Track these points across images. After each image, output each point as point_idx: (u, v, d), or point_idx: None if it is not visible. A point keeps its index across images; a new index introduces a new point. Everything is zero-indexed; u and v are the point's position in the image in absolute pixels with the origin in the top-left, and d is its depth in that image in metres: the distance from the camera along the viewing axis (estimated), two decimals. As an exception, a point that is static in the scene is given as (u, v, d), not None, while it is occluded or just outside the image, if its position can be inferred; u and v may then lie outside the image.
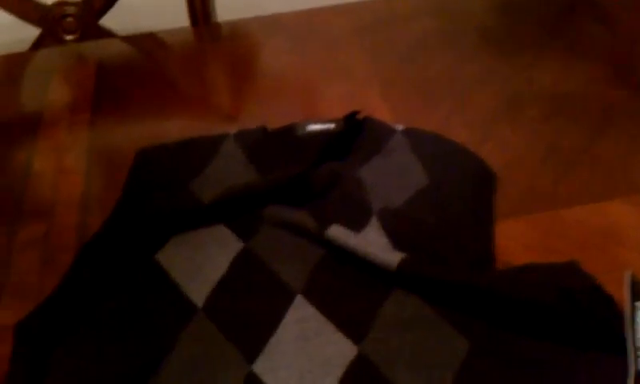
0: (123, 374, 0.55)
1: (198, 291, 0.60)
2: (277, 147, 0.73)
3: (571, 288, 0.54)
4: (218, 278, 0.61)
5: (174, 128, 0.82)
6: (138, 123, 0.87)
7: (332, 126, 0.74)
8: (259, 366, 0.54)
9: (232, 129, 0.78)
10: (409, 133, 0.73)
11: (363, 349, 0.54)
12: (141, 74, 0.96)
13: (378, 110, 0.79)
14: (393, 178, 0.68)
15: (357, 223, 0.63)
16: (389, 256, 0.58)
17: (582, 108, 0.79)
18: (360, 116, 0.75)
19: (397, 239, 0.62)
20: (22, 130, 0.86)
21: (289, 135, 0.75)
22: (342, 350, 0.54)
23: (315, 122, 0.75)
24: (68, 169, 0.79)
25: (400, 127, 0.73)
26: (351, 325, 0.55)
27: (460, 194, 0.67)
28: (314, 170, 0.68)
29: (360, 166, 0.69)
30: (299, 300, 0.58)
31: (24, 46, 1.19)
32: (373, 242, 0.61)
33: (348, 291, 0.58)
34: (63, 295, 0.61)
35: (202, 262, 0.62)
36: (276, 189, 0.67)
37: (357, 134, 0.74)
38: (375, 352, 0.53)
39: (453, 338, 0.54)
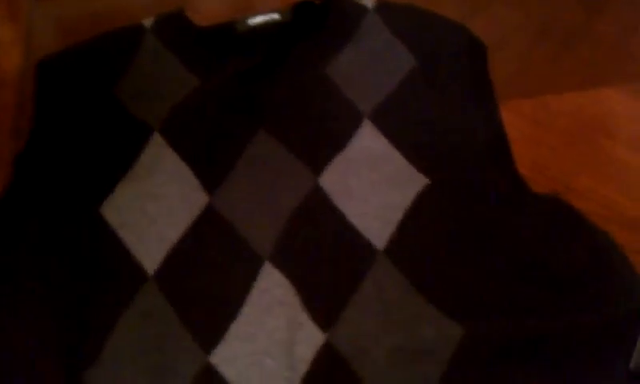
0: (52, 366, 0.46)
1: (150, 255, 0.51)
2: (213, 47, 0.62)
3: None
4: (174, 240, 0.51)
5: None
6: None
7: (277, 16, 0.64)
8: (217, 356, 0.47)
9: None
10: (383, 9, 0.64)
11: (332, 336, 0.47)
12: None
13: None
14: (373, 67, 0.59)
15: (344, 132, 0.55)
16: (380, 228, 0.50)
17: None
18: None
19: (398, 139, 0.54)
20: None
21: (227, 33, 0.63)
22: (307, 335, 0.47)
23: (256, 15, 0.64)
24: (6, 41, 0.70)
25: (370, 3, 0.64)
26: (320, 304, 0.48)
27: (455, 74, 0.59)
28: (268, 74, 0.59)
29: (328, 60, 0.60)
30: (267, 267, 0.50)
31: None
32: (370, 151, 0.54)
33: (322, 259, 0.50)
34: None
35: (156, 217, 0.52)
36: (229, 100, 0.57)
37: (316, 23, 0.63)
38: (346, 342, 0.46)
39: (442, 325, 0.46)
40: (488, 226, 0.50)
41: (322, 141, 0.55)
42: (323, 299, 0.48)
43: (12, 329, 0.48)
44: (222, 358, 0.47)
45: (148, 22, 0.64)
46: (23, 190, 0.55)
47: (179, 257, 0.51)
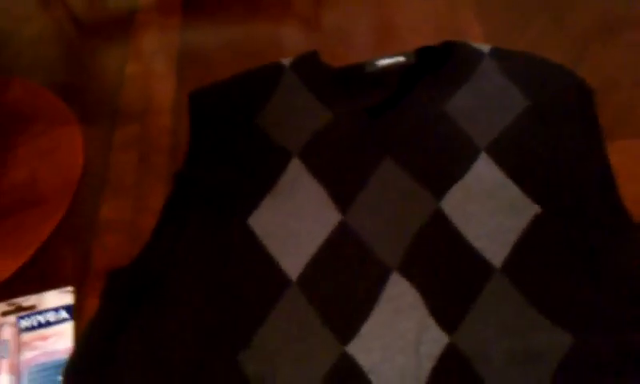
0: (211, 346, 0.55)
1: (292, 264, 0.59)
2: (345, 85, 0.71)
3: None
4: (313, 252, 0.59)
5: (257, 32, 0.83)
6: (225, 26, 0.88)
7: (402, 59, 0.72)
8: (353, 347, 0.54)
9: (311, 37, 0.78)
10: (497, 54, 0.71)
11: (456, 339, 0.53)
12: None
13: (469, 26, 0.78)
14: (488, 106, 0.66)
15: (462, 162, 0.62)
16: (496, 249, 0.57)
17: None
18: (441, 40, 0.72)
19: (511, 170, 0.61)
20: (114, 34, 0.88)
21: (357, 72, 0.72)
22: (433, 336, 0.54)
23: (384, 57, 0.73)
24: (159, 71, 0.81)
25: (487, 49, 0.71)
26: (445, 311, 0.55)
27: (565, 113, 0.65)
28: (394, 109, 0.66)
29: (448, 98, 0.67)
30: (395, 277, 0.57)
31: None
32: (486, 181, 0.60)
33: (445, 273, 0.57)
34: (153, 253, 0.61)
35: (297, 232, 0.61)
36: (359, 131, 0.65)
37: (437, 65, 0.71)
38: (468, 344, 0.53)
39: (554, 333, 0.52)
40: (594, 251, 0.55)
41: (443, 169, 0.62)
42: (447, 307, 0.55)
43: (175, 318, 0.57)
44: (358, 349, 0.54)
45: (286, 61, 0.73)
46: (182, 203, 0.64)
47: (317, 265, 0.58)
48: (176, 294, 0.58)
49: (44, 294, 0.62)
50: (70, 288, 0.62)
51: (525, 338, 0.52)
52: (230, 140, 0.68)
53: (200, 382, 0.53)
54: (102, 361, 0.54)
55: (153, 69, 0.82)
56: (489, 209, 0.59)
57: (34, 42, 0.88)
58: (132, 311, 0.57)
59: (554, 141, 0.63)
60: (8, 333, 0.59)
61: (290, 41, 0.82)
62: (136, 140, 0.74)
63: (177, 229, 0.62)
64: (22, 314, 0.61)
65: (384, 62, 0.72)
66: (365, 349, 0.54)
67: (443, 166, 0.63)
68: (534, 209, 0.59)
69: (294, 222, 0.62)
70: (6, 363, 0.57)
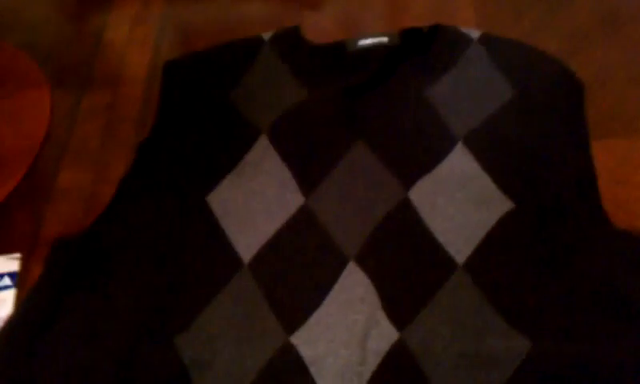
0: (149, 326, 0.52)
1: (247, 245, 0.56)
2: (324, 63, 0.67)
3: None
4: (270, 234, 0.56)
5: (251, 9, 0.80)
6: (215, 1, 0.85)
7: (385, 39, 0.68)
8: (298, 337, 0.51)
9: (310, 16, 0.75)
10: (486, 41, 0.67)
11: (405, 335, 0.50)
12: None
13: (462, 11, 0.74)
14: (472, 94, 0.62)
15: (437, 152, 0.58)
16: (461, 244, 0.53)
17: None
18: (432, 22, 0.69)
19: (488, 163, 0.57)
20: (98, 0, 0.86)
21: (337, 51, 0.68)
22: (382, 332, 0.50)
23: (366, 37, 0.69)
24: (138, 40, 0.78)
25: (476, 34, 0.67)
26: (398, 305, 0.51)
27: (550, 106, 0.61)
28: (372, 91, 0.63)
29: (431, 84, 0.63)
30: (351, 267, 0.54)
31: None
32: (459, 172, 0.57)
33: (404, 266, 0.53)
34: (104, 224, 0.58)
35: (256, 213, 0.58)
36: (333, 111, 0.62)
37: (421, 48, 0.67)
38: (418, 342, 0.49)
39: (511, 338, 0.48)
40: (566, 254, 0.52)
41: (416, 158, 0.59)
42: (400, 301, 0.51)
43: (117, 294, 0.54)
44: (302, 339, 0.50)
45: (267, 35, 0.70)
46: (142, 174, 0.62)
47: (272, 249, 0.55)
48: (121, 269, 0.55)
49: (-10, 258, 0.60)
50: (17, 255, 0.60)
51: (480, 340, 0.48)
52: (199, 112, 0.65)
53: (134, 363, 0.50)
54: (34, 332, 0.52)
55: (131, 38, 0.79)
56: (458, 201, 0.56)
57: (17, 3, 0.85)
58: (72, 283, 0.54)
59: (536, 135, 0.59)
60: (-53, 296, 0.57)
61: (286, 20, 0.78)
62: (105, 108, 0.71)
63: (132, 201, 0.60)
64: (-35, 277, 0.59)
65: (366, 41, 0.68)
66: (309, 340, 0.50)
67: (416, 155, 0.59)
68: (507, 205, 0.55)
69: (254, 202, 0.58)
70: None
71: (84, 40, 0.79)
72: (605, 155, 0.59)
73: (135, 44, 0.78)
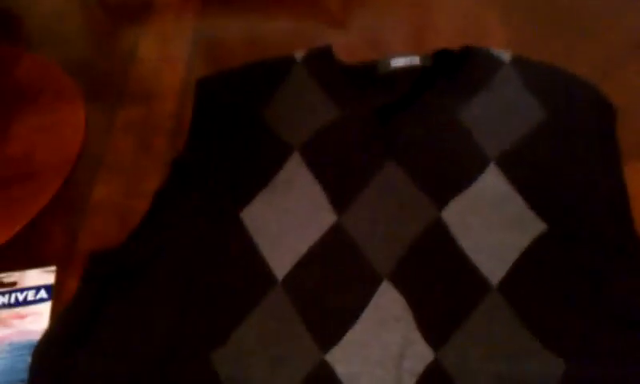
0: (186, 340, 0.52)
1: (280, 262, 0.56)
2: (356, 83, 0.68)
3: None
4: (303, 251, 0.56)
5: (280, 27, 0.81)
6: (245, 17, 0.85)
7: (417, 60, 0.69)
8: (333, 355, 0.51)
9: (338, 35, 0.76)
10: (518, 63, 0.67)
11: (441, 355, 0.50)
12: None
13: (493, 32, 0.74)
14: (503, 116, 0.63)
15: (469, 172, 0.59)
16: (495, 265, 0.53)
17: None
18: (461, 45, 0.69)
19: (520, 184, 0.57)
20: (131, 16, 0.86)
21: (370, 72, 0.69)
22: (417, 351, 0.50)
23: (399, 57, 0.69)
24: (171, 56, 0.79)
25: (507, 57, 0.68)
26: (433, 326, 0.51)
27: (582, 129, 0.61)
28: (404, 112, 0.63)
29: (462, 105, 0.63)
30: (385, 285, 0.54)
31: None
32: (492, 193, 0.57)
33: (438, 286, 0.53)
34: (139, 239, 0.59)
35: (289, 229, 0.58)
36: (365, 131, 0.62)
37: (453, 69, 0.67)
38: (453, 362, 0.49)
39: (546, 359, 0.48)
40: (599, 277, 0.52)
41: (448, 178, 0.59)
42: (436, 321, 0.51)
43: (153, 308, 0.55)
44: (337, 357, 0.50)
45: (299, 54, 0.71)
46: (176, 190, 0.62)
47: (306, 266, 0.56)
48: (157, 283, 0.56)
49: (27, 271, 0.60)
50: (52, 268, 0.60)
51: (515, 362, 0.48)
52: (232, 129, 0.66)
53: (170, 376, 0.51)
54: (72, 345, 0.52)
55: (165, 53, 0.80)
56: (491, 222, 0.56)
57: (53, 17, 0.87)
58: (110, 296, 0.55)
59: (568, 157, 0.59)
60: (-15, 307, 0.58)
61: (314, 38, 0.79)
62: (139, 123, 0.72)
63: (167, 216, 0.60)
64: (2, 289, 0.59)
65: (398, 62, 0.69)
66: (345, 358, 0.50)
67: (449, 175, 0.59)
68: (540, 226, 0.55)
69: (287, 219, 0.59)
70: (-22, 338, 0.55)
71: (117, 55, 0.80)
72: (636, 180, 0.59)
73: (168, 60, 0.79)
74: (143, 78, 0.77)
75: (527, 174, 0.58)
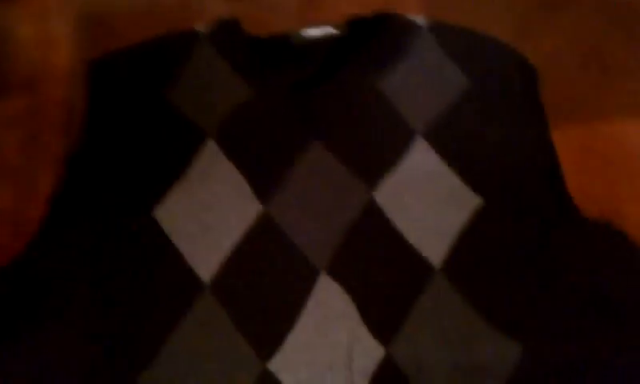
0: (105, 368, 0.46)
1: (205, 264, 0.51)
2: (266, 57, 0.63)
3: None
4: (229, 249, 0.51)
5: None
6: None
7: (331, 30, 0.64)
8: (276, 364, 0.47)
9: (241, 5, 0.70)
10: (435, 29, 0.64)
11: (392, 351, 0.47)
12: None
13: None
14: (425, 85, 0.59)
15: (397, 147, 0.55)
16: (435, 245, 0.51)
17: (626, 9, 0.71)
18: (374, 12, 0.66)
19: (451, 158, 0.55)
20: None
21: (281, 44, 0.64)
22: (366, 348, 0.47)
23: (312, 28, 0.65)
24: (54, 36, 0.71)
25: (423, 21, 0.64)
26: (379, 318, 0.48)
27: (507, 95, 0.59)
28: (322, 86, 0.59)
29: (381, 75, 0.60)
30: (323, 279, 0.50)
31: None
32: (423, 169, 0.54)
33: (379, 274, 0.50)
34: (37, 251, 0.51)
35: (210, 226, 0.52)
36: (283, 109, 0.58)
37: (369, 38, 0.63)
38: (406, 357, 0.46)
39: (501, 343, 0.46)
40: (541, 249, 0.50)
41: (376, 155, 0.56)
42: (382, 313, 0.48)
43: (62, 334, 0.48)
44: (281, 366, 0.47)
45: (202, 28, 0.65)
46: (75, 191, 0.55)
47: (234, 266, 0.51)
48: (64, 302, 0.49)
49: None
50: (-64, 291, 0.52)
51: (468, 349, 0.46)
52: (135, 116, 0.59)
53: None
54: None
55: (47, 32, 0.71)
56: (426, 200, 0.53)
57: None
58: (8, 324, 0.48)
59: (497, 125, 0.57)
60: None
61: (209, 5, 0.73)
62: (24, 115, 0.64)
63: (69, 222, 0.53)
64: None
65: (312, 32, 0.64)
66: (289, 365, 0.47)
67: (377, 152, 0.56)
68: (476, 201, 0.53)
69: (207, 214, 0.54)
70: None
71: (-10, 38, 0.71)
72: (563, 142, 0.58)
73: (50, 41, 0.70)
74: (23, 63, 0.68)
75: (456, 146, 0.56)
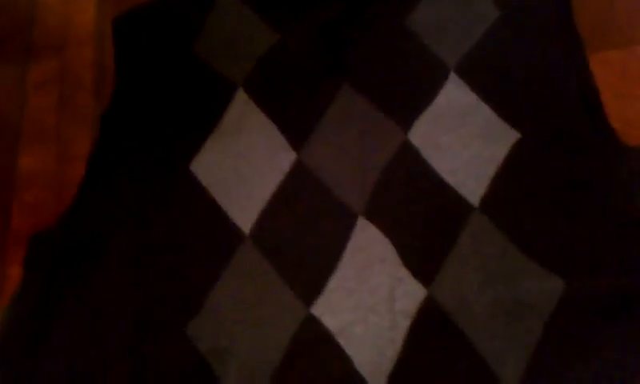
0: (155, 316, 0.48)
1: (244, 214, 0.51)
2: (290, 1, 0.61)
3: None
4: (267, 198, 0.51)
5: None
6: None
7: None
8: (318, 308, 0.47)
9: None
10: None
11: (433, 291, 0.47)
12: None
13: None
14: (456, 19, 0.58)
15: (430, 85, 0.54)
16: (473, 183, 0.50)
17: None
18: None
19: (485, 92, 0.54)
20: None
21: None
22: (409, 291, 0.47)
23: None
24: (79, -2, 0.70)
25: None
26: (420, 259, 0.48)
27: (539, 23, 0.57)
28: (350, 26, 0.58)
29: (409, 11, 0.58)
30: (361, 223, 0.50)
31: None
32: (458, 106, 0.53)
33: (417, 215, 0.50)
34: (81, 210, 0.53)
35: (247, 176, 0.53)
36: (311, 54, 0.57)
37: None
38: (448, 296, 0.46)
39: (544, 279, 0.46)
40: (582, 179, 0.50)
41: (409, 95, 0.55)
42: (421, 254, 0.48)
43: (112, 286, 0.50)
44: (323, 309, 0.47)
45: None
46: (111, 149, 0.56)
47: (272, 215, 0.51)
48: (111, 257, 0.50)
49: (-42, 265, 0.54)
50: (-13, 256, 0.54)
51: (511, 285, 0.46)
52: (164, 72, 0.59)
53: (144, 360, 0.46)
54: (30, 344, 0.47)
55: (69, -7, 0.71)
56: (463, 137, 0.53)
57: None
58: (61, 283, 0.49)
59: (530, 55, 0.56)
60: None
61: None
62: (55, 77, 0.64)
63: (107, 180, 0.54)
64: None
65: (336, -28, 0.63)
66: (332, 309, 0.47)
67: (409, 91, 0.55)
68: (513, 134, 0.52)
69: (243, 164, 0.54)
70: None
71: (17, 4, 0.71)
72: (602, 69, 0.56)
73: (75, 2, 0.70)
74: (51, 26, 0.68)
75: (490, 79, 0.55)
